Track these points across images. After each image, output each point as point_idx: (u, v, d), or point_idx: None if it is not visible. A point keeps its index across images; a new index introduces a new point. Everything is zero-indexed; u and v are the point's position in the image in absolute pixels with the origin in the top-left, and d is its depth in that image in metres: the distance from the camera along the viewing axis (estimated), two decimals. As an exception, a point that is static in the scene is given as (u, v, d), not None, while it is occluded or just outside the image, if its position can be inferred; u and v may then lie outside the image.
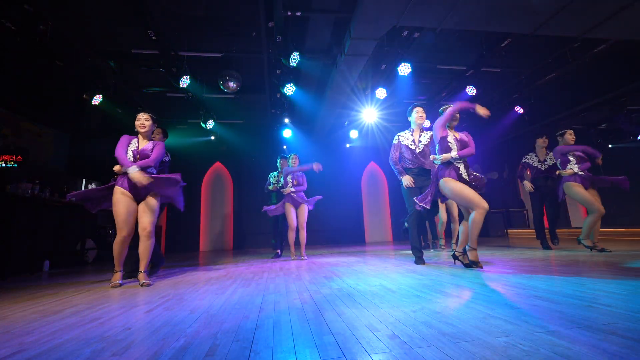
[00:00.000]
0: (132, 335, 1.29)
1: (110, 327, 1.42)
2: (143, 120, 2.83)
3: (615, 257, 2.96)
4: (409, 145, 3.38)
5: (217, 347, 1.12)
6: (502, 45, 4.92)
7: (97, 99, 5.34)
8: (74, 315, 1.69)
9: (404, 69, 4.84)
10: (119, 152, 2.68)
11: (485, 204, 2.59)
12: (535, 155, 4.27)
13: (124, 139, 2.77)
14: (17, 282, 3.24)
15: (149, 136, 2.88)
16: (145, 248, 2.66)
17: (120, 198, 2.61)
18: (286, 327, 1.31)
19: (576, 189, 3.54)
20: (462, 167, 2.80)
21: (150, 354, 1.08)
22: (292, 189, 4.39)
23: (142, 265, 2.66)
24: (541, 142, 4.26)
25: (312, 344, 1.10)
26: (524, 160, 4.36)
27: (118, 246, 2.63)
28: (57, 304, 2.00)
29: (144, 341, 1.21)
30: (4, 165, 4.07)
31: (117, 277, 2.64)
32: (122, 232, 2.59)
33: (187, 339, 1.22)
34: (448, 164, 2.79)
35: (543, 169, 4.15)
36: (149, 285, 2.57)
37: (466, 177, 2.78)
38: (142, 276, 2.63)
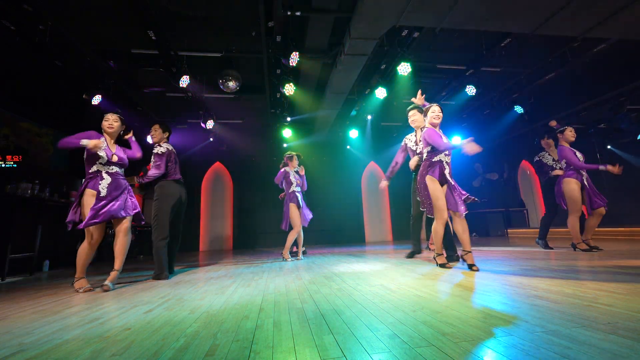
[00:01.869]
0: (132, 335, 1.29)
1: (110, 327, 1.42)
2: (112, 121, 2.76)
3: (615, 256, 2.96)
4: (412, 147, 3.36)
5: (217, 347, 1.12)
6: (502, 44, 4.92)
7: (97, 99, 5.34)
8: (73, 315, 1.69)
9: (404, 68, 4.84)
10: (79, 136, 2.51)
11: (445, 215, 2.71)
12: (549, 155, 4.19)
13: (92, 133, 2.61)
14: (16, 283, 3.24)
15: (114, 138, 2.83)
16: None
17: (91, 200, 2.51)
18: (286, 327, 1.31)
19: (573, 186, 3.55)
20: (448, 168, 2.86)
21: (150, 354, 1.08)
22: (297, 189, 4.36)
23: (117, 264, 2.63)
24: (547, 144, 4.25)
25: (312, 344, 1.10)
26: (537, 159, 4.28)
27: (88, 251, 2.53)
28: (56, 304, 2.00)
29: (144, 341, 1.21)
30: (4, 165, 4.07)
31: (85, 282, 2.49)
32: (94, 234, 2.51)
33: (187, 339, 1.22)
34: (433, 162, 2.83)
35: (559, 168, 4.06)
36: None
37: (449, 178, 2.83)
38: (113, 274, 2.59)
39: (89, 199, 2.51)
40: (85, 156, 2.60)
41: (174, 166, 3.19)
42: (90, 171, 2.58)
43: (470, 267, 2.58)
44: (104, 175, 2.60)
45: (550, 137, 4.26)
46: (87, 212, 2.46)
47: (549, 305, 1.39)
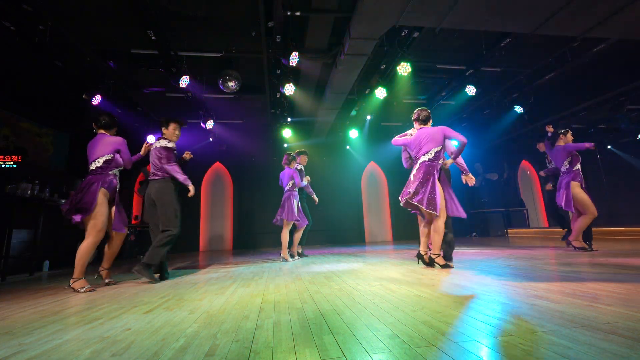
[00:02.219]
0: (132, 335, 1.29)
1: (110, 327, 1.42)
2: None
3: (616, 256, 2.96)
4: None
5: (217, 347, 1.11)
6: (502, 44, 4.92)
7: (97, 99, 5.34)
8: (73, 315, 1.69)
9: (404, 68, 4.84)
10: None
11: (445, 214, 2.83)
12: (547, 159, 4.49)
13: (121, 139, 2.83)
14: (16, 283, 3.24)
15: None
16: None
17: (104, 199, 2.61)
18: (286, 327, 1.31)
19: (578, 189, 3.59)
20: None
21: (150, 354, 1.08)
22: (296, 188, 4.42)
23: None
24: (541, 147, 4.42)
25: (312, 344, 1.10)
26: (548, 166, 4.55)
27: (91, 251, 2.55)
28: (56, 304, 2.00)
29: (143, 341, 1.21)
30: (4, 165, 4.07)
31: (84, 282, 2.48)
32: (100, 235, 2.57)
33: (187, 339, 1.22)
34: (439, 164, 2.93)
35: (553, 167, 4.23)
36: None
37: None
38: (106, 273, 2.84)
39: (104, 198, 2.63)
40: (110, 158, 2.69)
41: (151, 165, 3.05)
42: (110, 172, 2.70)
43: (423, 259, 2.95)
44: (116, 179, 2.78)
45: (541, 141, 4.35)
46: (101, 211, 2.56)
47: (549, 305, 1.39)
